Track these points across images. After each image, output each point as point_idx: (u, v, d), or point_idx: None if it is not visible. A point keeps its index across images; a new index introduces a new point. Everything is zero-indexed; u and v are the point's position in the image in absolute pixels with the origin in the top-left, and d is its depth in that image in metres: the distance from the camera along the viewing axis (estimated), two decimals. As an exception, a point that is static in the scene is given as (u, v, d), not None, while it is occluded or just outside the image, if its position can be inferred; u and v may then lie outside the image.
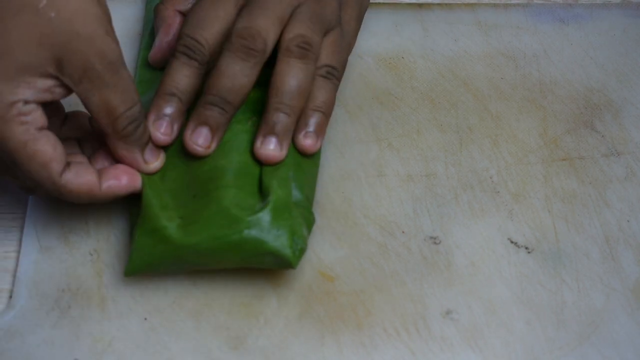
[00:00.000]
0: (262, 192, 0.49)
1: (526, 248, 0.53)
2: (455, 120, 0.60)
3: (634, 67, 0.64)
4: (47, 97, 0.45)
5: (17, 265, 0.51)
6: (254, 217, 0.47)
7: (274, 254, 0.47)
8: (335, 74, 0.53)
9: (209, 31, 0.50)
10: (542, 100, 0.61)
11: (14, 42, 0.44)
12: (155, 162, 0.50)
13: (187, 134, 0.50)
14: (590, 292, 0.51)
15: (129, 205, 0.52)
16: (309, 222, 0.50)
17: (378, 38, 0.64)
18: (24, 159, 0.45)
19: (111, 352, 0.47)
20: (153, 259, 0.48)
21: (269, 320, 0.49)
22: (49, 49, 0.44)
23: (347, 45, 0.56)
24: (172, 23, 0.55)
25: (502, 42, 0.65)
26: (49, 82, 0.45)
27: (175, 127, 0.50)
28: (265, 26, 0.50)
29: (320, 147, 0.53)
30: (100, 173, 0.48)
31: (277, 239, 0.47)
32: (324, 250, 0.52)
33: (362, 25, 0.59)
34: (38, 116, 0.45)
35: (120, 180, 0.48)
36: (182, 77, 0.50)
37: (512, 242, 0.53)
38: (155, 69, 0.56)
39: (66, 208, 0.52)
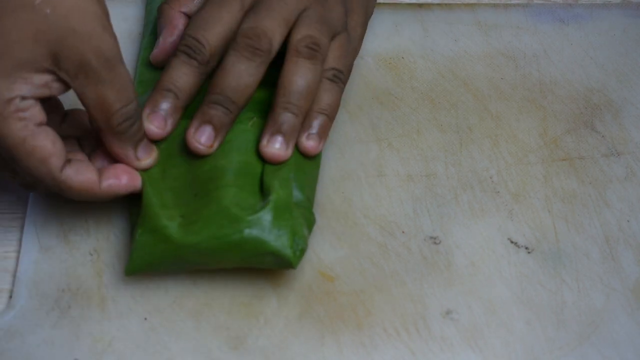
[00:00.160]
0: (263, 191, 0.49)
1: (526, 248, 0.53)
2: (455, 120, 0.60)
3: (634, 67, 0.64)
4: (45, 92, 0.45)
5: (17, 265, 0.51)
6: (255, 216, 0.47)
7: (274, 254, 0.47)
8: (341, 77, 0.53)
9: (212, 32, 0.51)
10: (542, 100, 0.61)
11: (10, 39, 0.44)
12: (147, 159, 0.50)
13: (190, 132, 0.50)
14: (590, 292, 0.51)
15: (129, 204, 0.52)
16: (310, 222, 0.50)
17: (378, 38, 0.64)
18: (23, 155, 0.45)
19: (111, 352, 0.47)
20: (153, 258, 0.48)
21: (269, 320, 0.49)
22: (45, 44, 0.44)
23: (353, 50, 0.56)
24: (176, 24, 0.55)
25: (502, 42, 0.65)
26: (46, 77, 0.45)
27: (170, 122, 0.51)
28: (271, 27, 0.50)
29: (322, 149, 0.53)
30: (100, 172, 0.48)
31: (278, 239, 0.47)
32: (324, 250, 0.52)
33: (362, 26, 0.60)
34: (36, 112, 0.45)
35: (120, 179, 0.48)
36: (181, 75, 0.50)
37: (512, 242, 0.53)
38: (155, 68, 0.56)
39: (66, 208, 0.52)
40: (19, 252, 0.51)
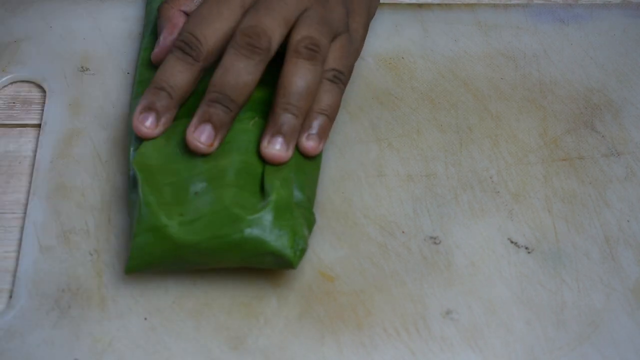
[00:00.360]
0: (264, 191, 0.49)
1: (526, 248, 0.53)
2: (455, 120, 0.60)
3: (634, 67, 0.64)
4: None
5: (17, 265, 0.51)
6: (255, 216, 0.47)
7: (274, 254, 0.47)
8: (342, 78, 0.53)
9: (209, 29, 0.50)
10: (542, 100, 0.61)
11: None
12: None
13: (190, 130, 0.50)
14: (590, 292, 0.51)
15: (129, 204, 0.52)
16: (310, 222, 0.50)
17: (378, 38, 0.64)
18: None
19: (111, 352, 0.47)
20: (153, 258, 0.48)
21: (269, 320, 0.49)
22: None
23: (354, 51, 0.56)
24: (176, 23, 0.55)
25: (502, 42, 0.65)
26: None
27: (162, 122, 0.50)
28: (270, 26, 0.50)
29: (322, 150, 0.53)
30: None
31: (278, 239, 0.47)
32: (324, 250, 0.52)
33: (362, 26, 0.60)
34: None
35: None
36: (175, 72, 0.50)
37: (512, 242, 0.53)
38: (156, 68, 0.56)
39: (66, 208, 0.52)
40: (18, 252, 0.51)
